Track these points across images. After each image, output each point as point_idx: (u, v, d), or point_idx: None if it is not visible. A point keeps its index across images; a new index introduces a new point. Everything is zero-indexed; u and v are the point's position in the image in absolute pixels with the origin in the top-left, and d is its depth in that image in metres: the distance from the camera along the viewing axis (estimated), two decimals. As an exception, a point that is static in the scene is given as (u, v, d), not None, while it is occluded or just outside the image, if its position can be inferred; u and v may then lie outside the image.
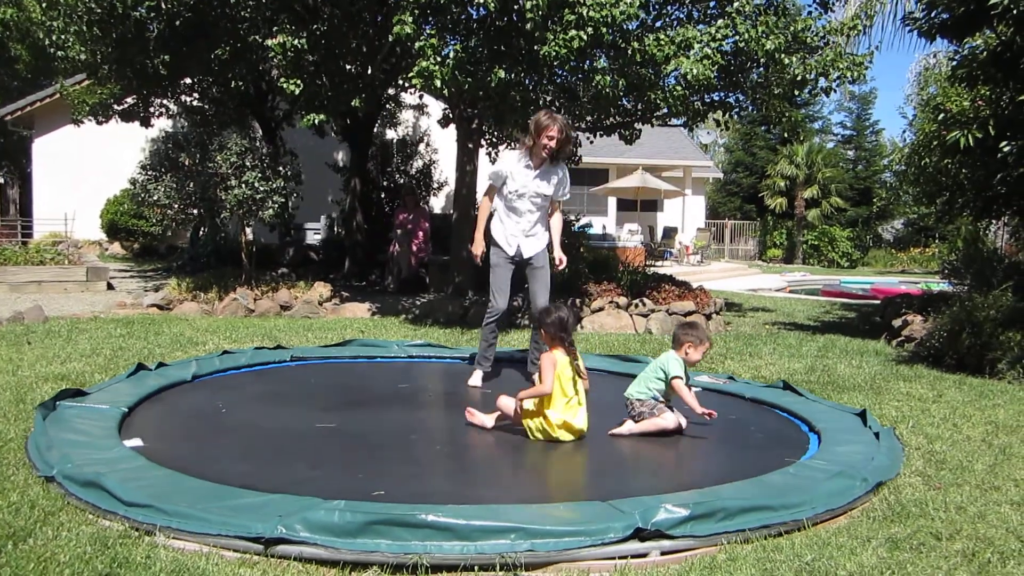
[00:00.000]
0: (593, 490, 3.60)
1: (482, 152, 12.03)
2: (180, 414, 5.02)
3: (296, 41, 8.97)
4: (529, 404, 4.50)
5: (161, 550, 3.02)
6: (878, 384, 6.65)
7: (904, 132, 30.89)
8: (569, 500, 3.51)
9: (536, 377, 4.53)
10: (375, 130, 14.87)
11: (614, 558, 3.06)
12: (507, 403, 4.60)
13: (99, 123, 13.36)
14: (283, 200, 10.54)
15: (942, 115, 9.18)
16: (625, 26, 8.02)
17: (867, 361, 7.78)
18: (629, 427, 4.73)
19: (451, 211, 12.02)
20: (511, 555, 2.96)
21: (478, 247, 6.08)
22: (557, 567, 3.01)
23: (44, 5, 10.46)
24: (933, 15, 8.70)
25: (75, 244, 18.23)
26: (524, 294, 6.32)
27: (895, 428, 5.07)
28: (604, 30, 7.65)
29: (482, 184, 12.41)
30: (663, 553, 3.14)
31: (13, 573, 2.81)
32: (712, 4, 9.61)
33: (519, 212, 5.94)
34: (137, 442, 4.20)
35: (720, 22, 8.58)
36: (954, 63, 8.96)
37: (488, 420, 4.71)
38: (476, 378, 6.13)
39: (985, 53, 8.38)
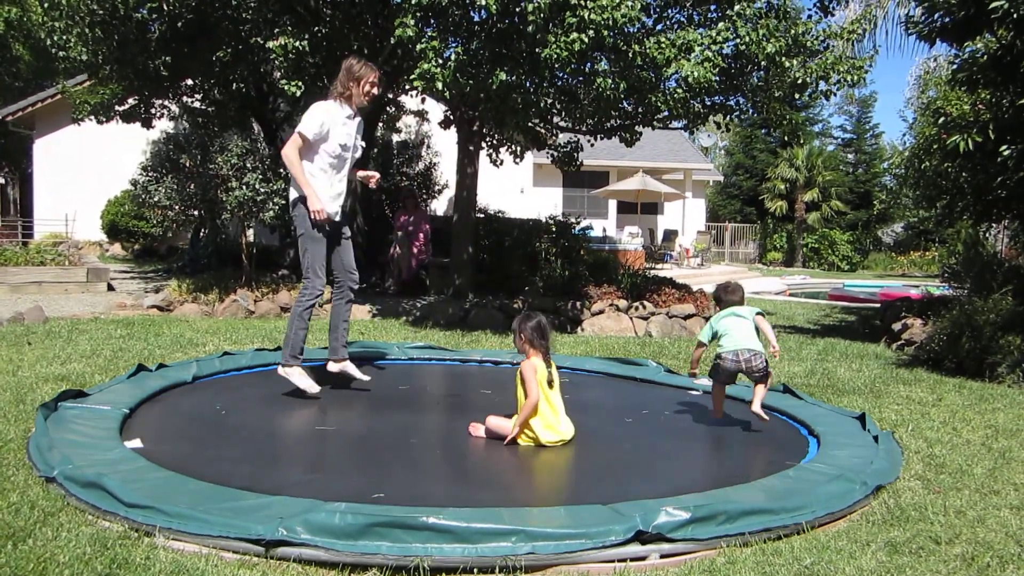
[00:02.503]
0: (594, 494, 3.59)
1: (483, 154, 12.04)
2: (181, 415, 5.02)
3: (297, 43, 8.98)
4: (514, 417, 4.44)
5: (161, 551, 3.02)
6: (878, 388, 6.65)
7: (904, 136, 30.97)
8: (570, 504, 3.51)
9: (519, 392, 4.45)
10: (376, 132, 14.88)
11: (613, 561, 3.07)
12: (498, 424, 4.52)
13: (100, 124, 13.36)
14: (284, 202, 10.54)
15: (942, 119, 9.19)
16: (626, 29, 8.03)
17: (867, 364, 7.78)
18: (761, 395, 5.02)
19: (452, 213, 12.02)
20: (512, 558, 2.97)
21: (317, 206, 5.16)
22: (557, 570, 3.01)
23: (46, 6, 10.46)
24: (933, 19, 8.72)
25: (76, 245, 18.23)
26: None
27: (894, 432, 5.07)
28: (605, 33, 7.65)
29: (485, 186, 12.47)
30: (662, 556, 3.14)
31: (12, 573, 2.81)
32: (713, 7, 9.62)
33: (340, 168, 5.31)
34: (136, 443, 4.20)
35: (721, 25, 8.59)
36: (954, 67, 8.97)
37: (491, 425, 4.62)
38: (306, 381, 5.37)
39: (985, 57, 8.39)
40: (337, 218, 5.36)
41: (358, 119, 5.44)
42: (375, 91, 5.32)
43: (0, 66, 25.85)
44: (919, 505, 3.79)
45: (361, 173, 5.66)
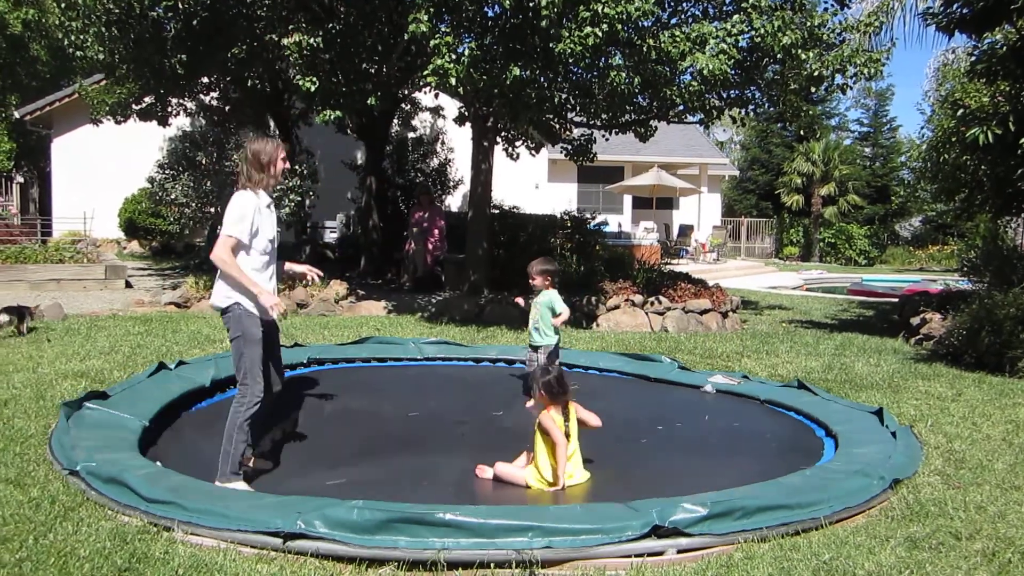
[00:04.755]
0: (609, 497, 3.56)
1: (498, 149, 12.03)
2: (198, 425, 4.96)
3: (312, 40, 9.00)
4: (528, 468, 4.36)
5: (179, 546, 3.05)
6: (896, 382, 6.60)
7: (922, 129, 30.69)
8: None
9: (537, 441, 4.36)
10: (391, 129, 14.90)
11: (630, 556, 3.06)
12: (506, 471, 4.43)
13: (117, 123, 13.45)
14: (299, 198, 10.60)
15: (961, 111, 9.09)
16: (640, 23, 7.99)
17: (885, 359, 7.72)
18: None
19: (466, 209, 12.02)
20: (528, 552, 2.97)
21: (273, 300, 4.56)
22: (573, 564, 3.01)
23: (63, 6, 10.53)
24: (952, 10, 8.64)
25: (94, 242, 18.39)
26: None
27: (913, 426, 5.03)
28: (619, 27, 7.62)
29: (499, 182, 12.45)
30: (679, 551, 3.14)
31: (34, 567, 2.84)
32: (727, 0, 9.56)
33: (271, 263, 4.79)
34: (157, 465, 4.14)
35: (736, 17, 8.53)
36: (973, 58, 8.89)
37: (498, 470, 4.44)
38: (245, 489, 4.34)
39: (1005, 48, 8.31)
40: (273, 317, 4.78)
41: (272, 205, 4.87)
42: (287, 164, 4.81)
43: (19, 66, 26.06)
44: (939, 500, 3.76)
45: (297, 268, 5.08)
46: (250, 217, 4.54)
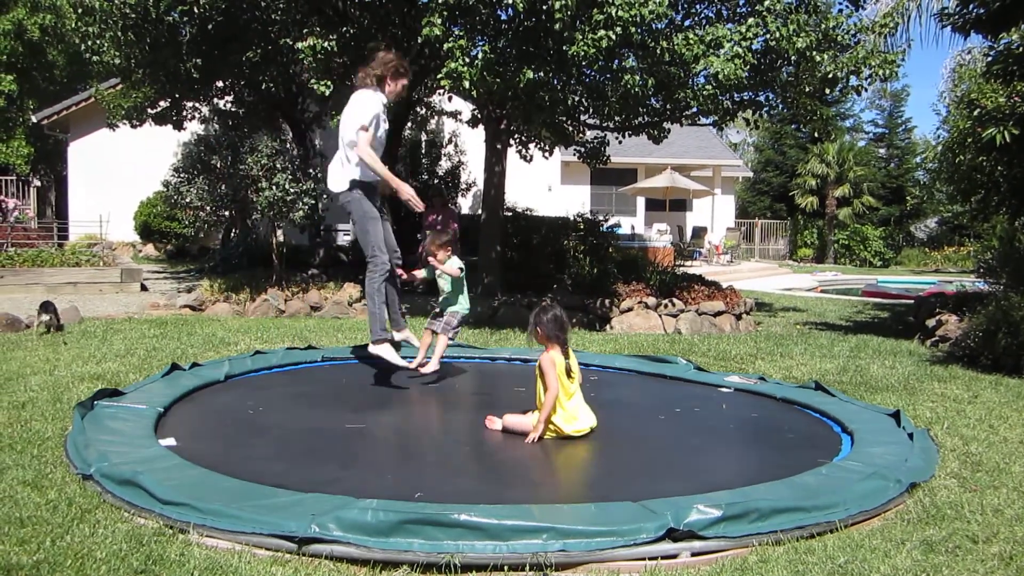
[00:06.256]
0: (624, 491, 3.57)
1: (511, 152, 12.03)
2: (214, 414, 5.06)
3: (326, 43, 9.04)
4: (532, 414, 4.42)
5: (195, 548, 3.06)
6: (912, 385, 6.56)
7: (937, 129, 30.44)
8: (600, 501, 3.49)
9: (538, 386, 4.43)
10: (404, 131, 14.94)
11: (644, 559, 3.05)
12: (515, 421, 4.51)
13: (133, 127, 13.56)
14: (313, 202, 10.64)
15: (977, 111, 9.03)
16: (654, 25, 7.99)
17: (900, 361, 7.68)
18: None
19: (479, 212, 12.03)
20: (542, 555, 2.96)
21: (409, 192, 5.39)
22: (587, 568, 3.00)
23: (80, 11, 10.63)
24: (968, 10, 8.58)
25: (109, 246, 18.50)
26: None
27: (929, 429, 5.00)
28: (633, 29, 7.62)
29: (512, 184, 12.47)
30: (694, 554, 3.12)
31: (51, 569, 2.86)
32: (742, 2, 9.54)
33: (378, 154, 5.43)
34: (171, 441, 4.25)
35: (751, 20, 8.51)
36: (989, 59, 8.83)
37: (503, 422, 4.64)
38: (396, 356, 5.59)
39: (1021, 48, 8.25)
40: (376, 203, 5.56)
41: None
42: (404, 90, 5.49)
43: (36, 71, 26.29)
44: (955, 503, 3.73)
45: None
46: (374, 111, 5.11)
